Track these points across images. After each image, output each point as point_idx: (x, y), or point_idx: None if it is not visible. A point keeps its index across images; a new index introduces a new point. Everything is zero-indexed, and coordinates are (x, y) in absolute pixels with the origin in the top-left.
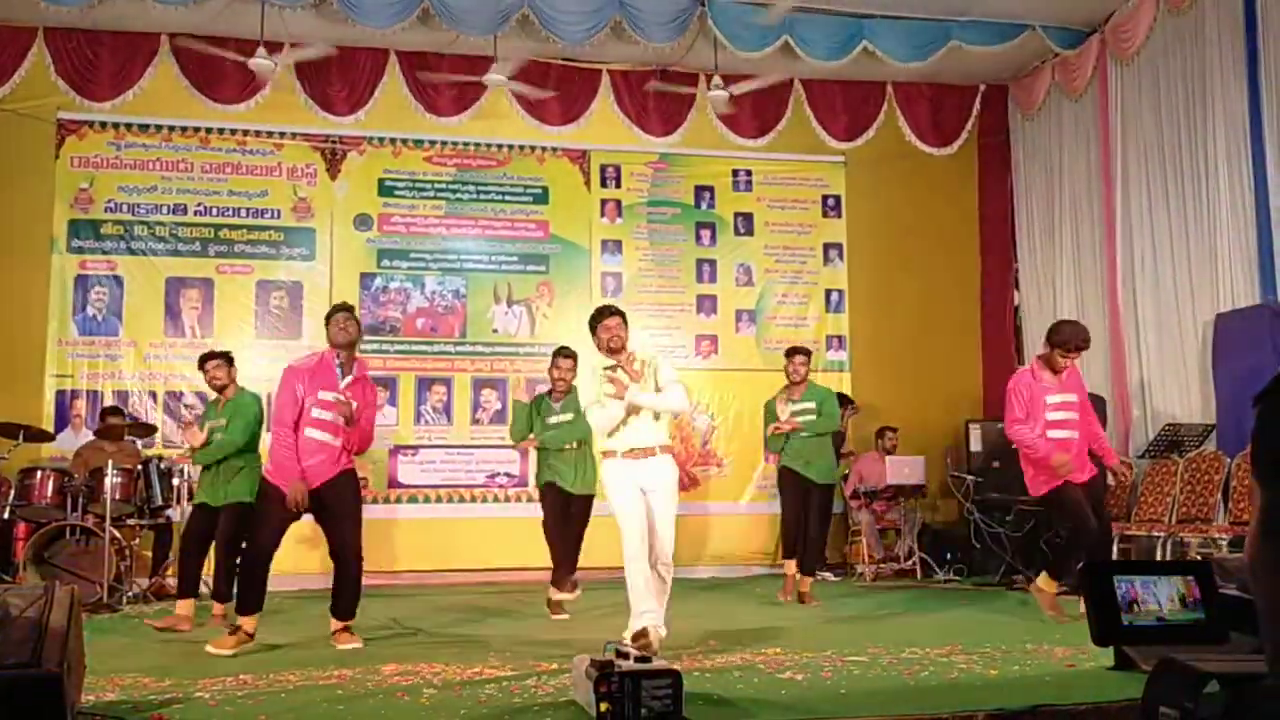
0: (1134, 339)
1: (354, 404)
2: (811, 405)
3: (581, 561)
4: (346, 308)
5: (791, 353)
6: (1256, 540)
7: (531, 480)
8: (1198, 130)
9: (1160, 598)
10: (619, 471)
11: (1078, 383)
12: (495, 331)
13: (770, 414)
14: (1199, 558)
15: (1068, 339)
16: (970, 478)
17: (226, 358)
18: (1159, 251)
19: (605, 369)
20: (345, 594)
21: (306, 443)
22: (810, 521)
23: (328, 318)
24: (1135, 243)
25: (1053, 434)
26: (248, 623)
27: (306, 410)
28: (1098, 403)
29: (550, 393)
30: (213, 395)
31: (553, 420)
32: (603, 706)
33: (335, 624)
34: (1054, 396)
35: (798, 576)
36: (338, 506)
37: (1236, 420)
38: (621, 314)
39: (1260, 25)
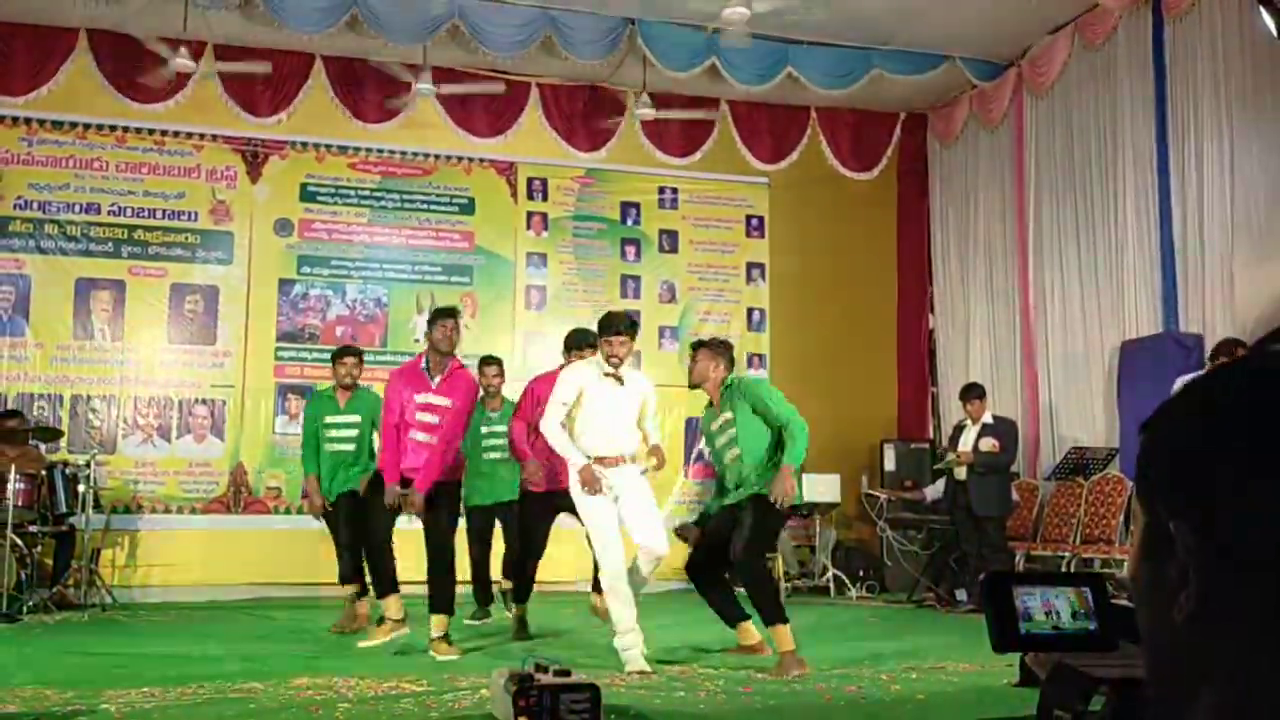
0: (1044, 364)
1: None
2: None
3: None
4: (453, 313)
5: None
6: (1137, 560)
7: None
8: (1107, 164)
9: (1057, 608)
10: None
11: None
12: (417, 342)
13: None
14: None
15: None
16: (884, 495)
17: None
18: (1068, 280)
19: (607, 375)
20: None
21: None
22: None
23: (431, 320)
24: (1046, 271)
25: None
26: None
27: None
28: (1009, 426)
29: (482, 400)
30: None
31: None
32: None
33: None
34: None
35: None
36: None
37: (1138, 445)
38: (633, 334)
39: (1169, 65)
